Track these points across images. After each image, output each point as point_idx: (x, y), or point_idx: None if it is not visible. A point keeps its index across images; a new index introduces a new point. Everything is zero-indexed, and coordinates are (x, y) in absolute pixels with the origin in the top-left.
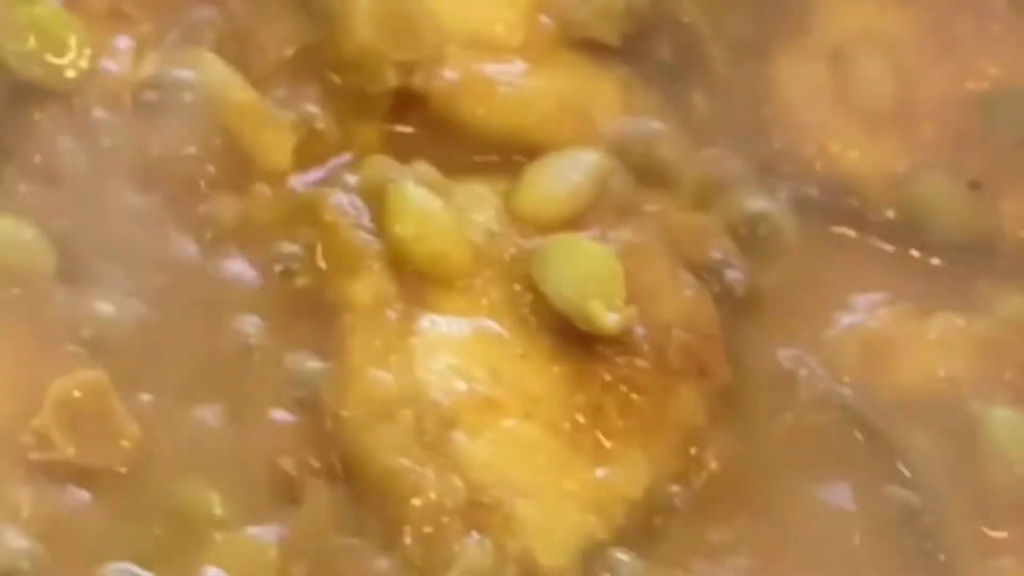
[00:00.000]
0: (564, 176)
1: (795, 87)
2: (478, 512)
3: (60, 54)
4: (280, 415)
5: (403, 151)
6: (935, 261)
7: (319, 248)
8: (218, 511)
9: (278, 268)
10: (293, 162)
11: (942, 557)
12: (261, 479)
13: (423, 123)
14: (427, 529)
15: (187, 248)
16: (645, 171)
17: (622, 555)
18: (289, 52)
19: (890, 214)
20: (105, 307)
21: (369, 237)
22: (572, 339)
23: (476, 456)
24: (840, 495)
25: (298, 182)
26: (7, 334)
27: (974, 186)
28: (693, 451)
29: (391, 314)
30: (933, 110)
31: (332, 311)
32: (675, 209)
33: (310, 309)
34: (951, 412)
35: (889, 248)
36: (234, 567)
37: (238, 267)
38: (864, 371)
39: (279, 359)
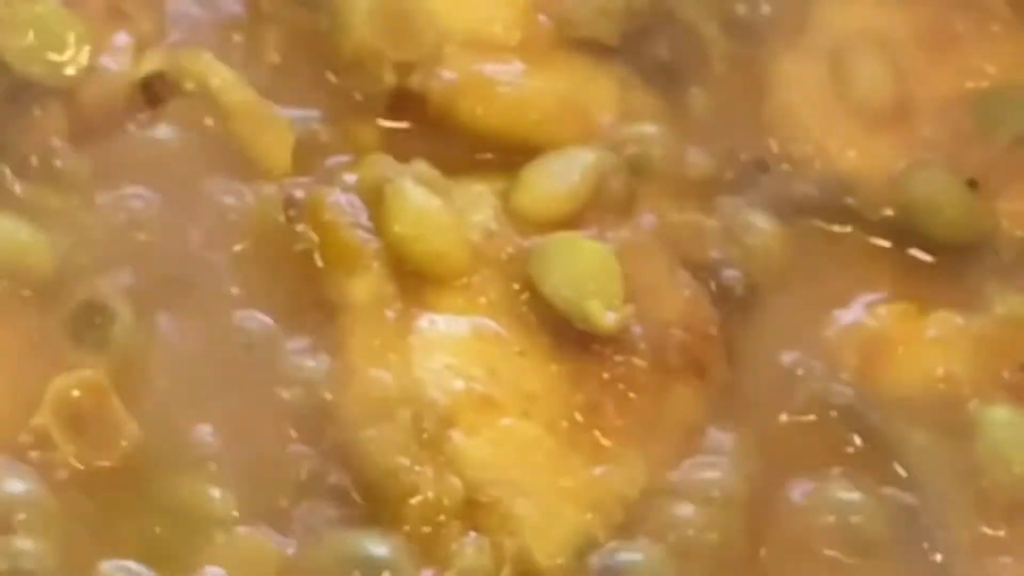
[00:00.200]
0: (562, 175)
1: (794, 86)
2: (476, 511)
3: (59, 51)
4: (280, 414)
5: (402, 150)
6: (933, 260)
7: (318, 247)
8: (218, 510)
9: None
10: (292, 162)
11: (940, 556)
12: (261, 478)
13: (422, 122)
14: (425, 528)
15: (188, 244)
16: (643, 170)
17: (620, 554)
18: (288, 52)
19: (888, 213)
20: (105, 306)
21: (368, 236)
22: (570, 338)
23: (474, 455)
24: (838, 494)
25: (297, 182)
26: (6, 333)
27: (972, 185)
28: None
29: (390, 313)
30: (932, 109)
31: (331, 310)
32: (673, 208)
33: (310, 308)
34: (949, 411)
35: (887, 247)
36: (234, 566)
37: (238, 266)
38: (862, 370)
39: (279, 358)
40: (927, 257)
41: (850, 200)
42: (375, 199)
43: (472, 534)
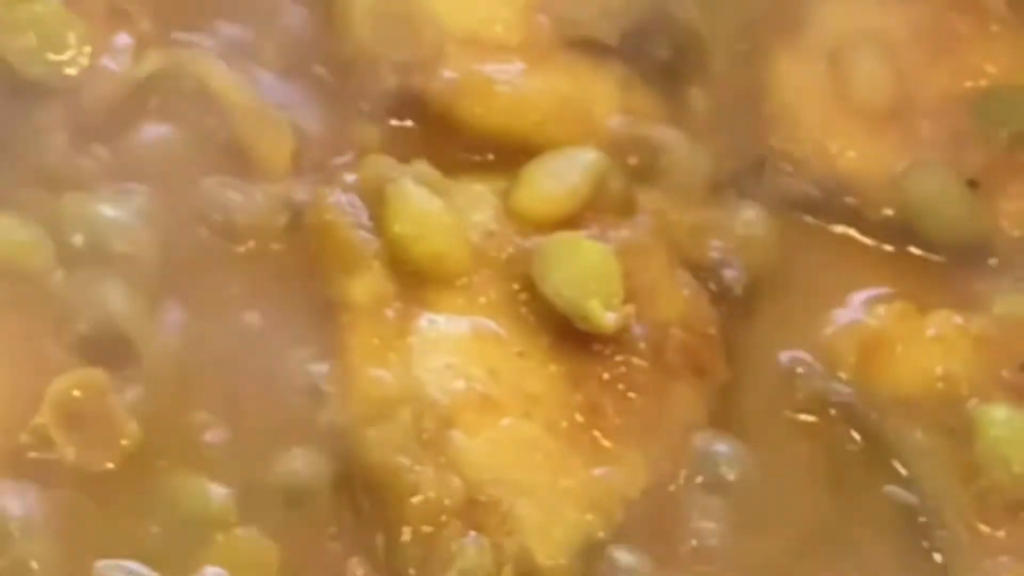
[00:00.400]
0: (562, 175)
1: (793, 86)
2: (476, 511)
3: (60, 52)
4: (280, 414)
5: (402, 150)
6: (933, 259)
7: (318, 247)
8: (218, 510)
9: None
10: (292, 162)
11: (939, 556)
12: (261, 478)
13: (422, 122)
14: (426, 528)
15: (188, 244)
16: (643, 170)
17: (620, 554)
18: (288, 52)
19: (888, 212)
20: (105, 306)
21: (368, 236)
22: (570, 338)
23: (474, 455)
24: (836, 494)
25: (297, 182)
26: (6, 333)
27: (972, 184)
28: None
29: (390, 313)
30: (931, 109)
31: (331, 310)
32: (673, 208)
33: (310, 308)
34: (949, 411)
35: (887, 246)
36: (234, 567)
37: (238, 266)
38: (862, 369)
39: (279, 358)
40: (927, 257)
41: (850, 200)
42: (375, 199)
43: (472, 534)
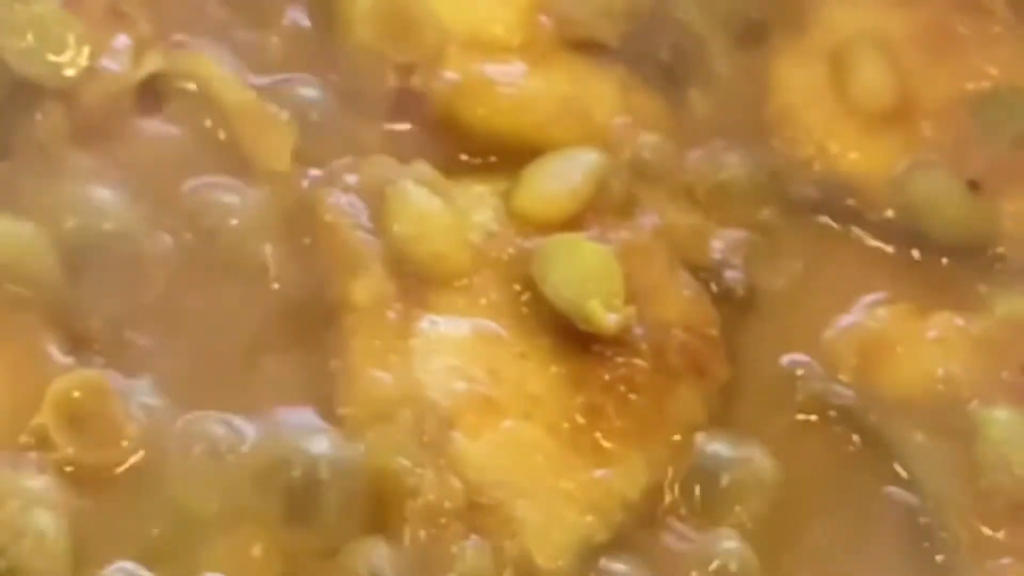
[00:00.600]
0: (563, 176)
1: (794, 87)
2: (477, 513)
3: (59, 52)
4: (280, 415)
5: (403, 151)
6: (934, 261)
7: (318, 248)
8: (218, 511)
9: (278, 266)
10: (292, 162)
11: (940, 558)
12: (262, 479)
13: (422, 123)
14: (426, 531)
15: (189, 245)
16: (644, 171)
17: (621, 554)
18: (289, 52)
19: (889, 214)
20: (105, 306)
21: (368, 237)
22: (571, 339)
23: (475, 457)
24: (838, 495)
25: (298, 182)
26: (6, 333)
27: (973, 186)
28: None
29: (390, 314)
30: (932, 110)
31: (332, 311)
32: (674, 209)
33: (310, 308)
34: (950, 412)
35: (888, 248)
36: (235, 567)
37: (239, 266)
38: (863, 371)
39: (279, 359)
40: (928, 258)
41: (851, 201)
42: (376, 200)
43: (473, 537)
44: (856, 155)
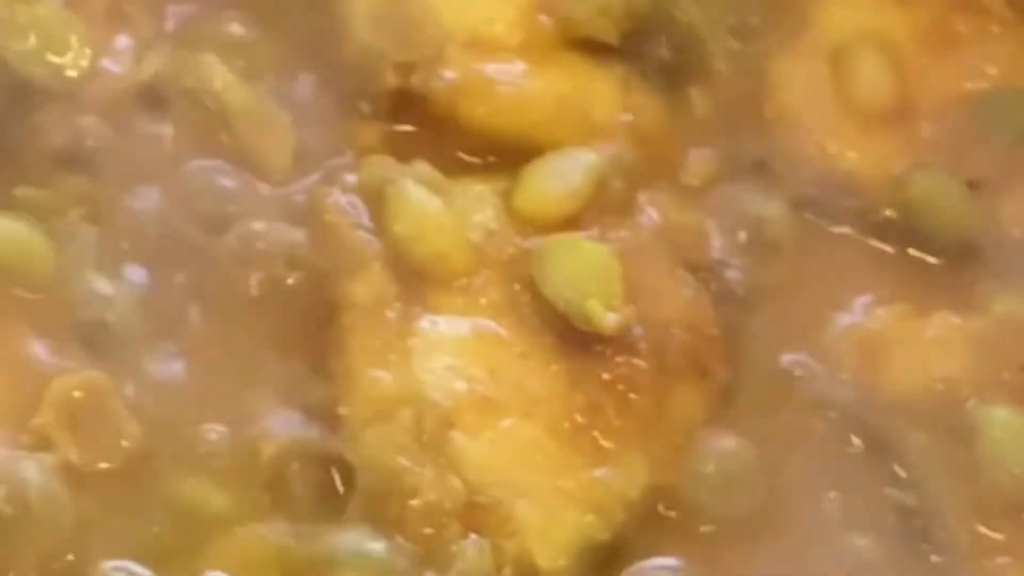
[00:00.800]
0: (563, 176)
1: (794, 87)
2: (476, 513)
3: (60, 53)
4: (280, 415)
5: (403, 151)
6: (933, 261)
7: (319, 248)
8: (219, 510)
9: (278, 267)
10: (293, 162)
11: (939, 558)
12: (262, 479)
13: (422, 123)
14: (426, 530)
15: (189, 244)
16: (644, 171)
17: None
18: (289, 52)
19: (889, 214)
20: (106, 305)
21: (369, 237)
22: (571, 339)
23: (475, 456)
24: (837, 495)
25: (298, 182)
26: (6, 333)
27: (972, 186)
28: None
29: (390, 314)
30: (932, 110)
31: (332, 311)
32: (674, 209)
33: (310, 309)
34: (948, 412)
35: (887, 248)
36: (235, 567)
37: (239, 266)
38: (862, 371)
39: (279, 358)
40: (927, 258)
41: (850, 201)
42: (376, 200)
43: (473, 536)
44: (856, 155)
